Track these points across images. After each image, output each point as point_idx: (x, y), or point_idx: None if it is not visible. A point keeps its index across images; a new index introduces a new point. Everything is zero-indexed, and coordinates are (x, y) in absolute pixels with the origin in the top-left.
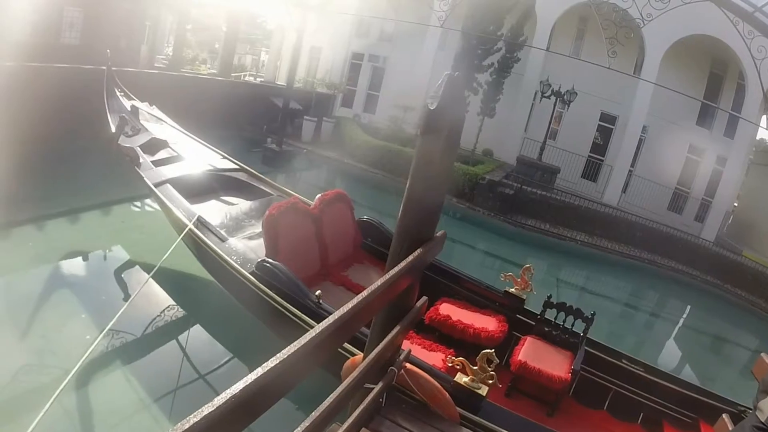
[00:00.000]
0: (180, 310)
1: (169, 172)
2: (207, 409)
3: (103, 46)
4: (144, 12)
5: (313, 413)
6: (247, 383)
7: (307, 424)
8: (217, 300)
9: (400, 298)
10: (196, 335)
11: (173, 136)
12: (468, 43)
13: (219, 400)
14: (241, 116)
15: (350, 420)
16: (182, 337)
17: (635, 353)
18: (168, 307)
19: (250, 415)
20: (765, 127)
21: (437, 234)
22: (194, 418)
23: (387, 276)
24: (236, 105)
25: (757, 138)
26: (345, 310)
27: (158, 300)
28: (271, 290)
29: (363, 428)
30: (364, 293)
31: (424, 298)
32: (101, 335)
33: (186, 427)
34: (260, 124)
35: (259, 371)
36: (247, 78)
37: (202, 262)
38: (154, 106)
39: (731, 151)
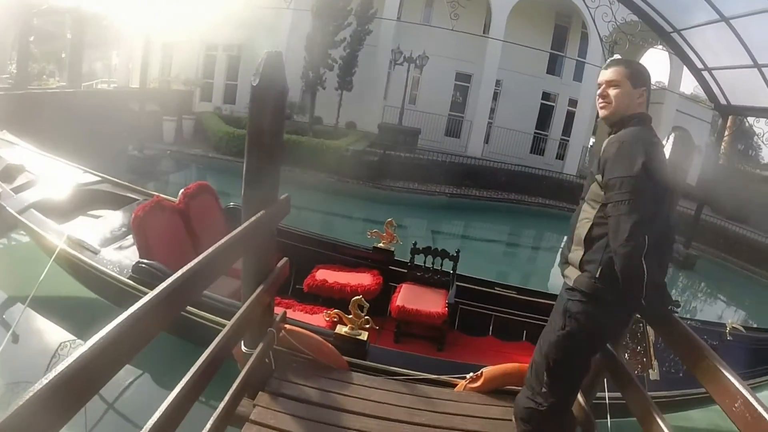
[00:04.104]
0: (70, 336)
1: (31, 196)
2: (42, 382)
3: None
4: None
5: (181, 380)
6: (77, 358)
7: (177, 390)
8: (102, 315)
9: (259, 262)
10: None
11: (29, 158)
12: (319, 20)
13: (49, 376)
14: (99, 126)
15: (238, 381)
16: None
17: (522, 283)
18: (58, 338)
19: (86, 391)
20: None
21: (281, 197)
22: (38, 385)
23: (231, 234)
24: (92, 115)
25: None
26: (186, 269)
27: (46, 333)
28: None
29: (260, 392)
30: (210, 250)
31: (285, 258)
32: None
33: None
34: (119, 131)
35: (100, 335)
36: (99, 85)
37: (80, 281)
38: (4, 131)
39: (581, 94)
